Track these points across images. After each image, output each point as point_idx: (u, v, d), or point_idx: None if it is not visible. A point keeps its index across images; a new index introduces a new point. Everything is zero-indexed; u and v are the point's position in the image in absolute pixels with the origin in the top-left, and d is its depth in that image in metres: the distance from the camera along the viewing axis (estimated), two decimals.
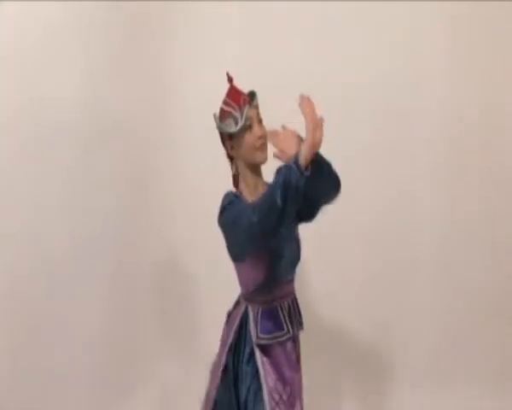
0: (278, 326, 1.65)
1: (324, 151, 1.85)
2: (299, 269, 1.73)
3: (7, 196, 2.05)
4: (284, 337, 1.65)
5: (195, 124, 2.69)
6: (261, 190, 1.58)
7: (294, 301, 1.73)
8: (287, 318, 1.66)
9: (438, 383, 2.71)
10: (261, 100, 1.61)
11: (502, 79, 2.60)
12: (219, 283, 2.62)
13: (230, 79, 1.62)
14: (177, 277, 2.88)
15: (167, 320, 2.88)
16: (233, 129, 1.57)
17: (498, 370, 2.70)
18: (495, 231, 2.68)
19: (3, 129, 2.05)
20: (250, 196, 1.61)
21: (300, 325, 1.74)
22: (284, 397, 1.61)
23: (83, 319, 2.39)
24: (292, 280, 1.72)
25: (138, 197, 2.71)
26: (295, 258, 1.70)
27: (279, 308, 1.66)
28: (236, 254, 1.59)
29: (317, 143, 1.40)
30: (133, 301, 2.72)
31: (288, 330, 1.65)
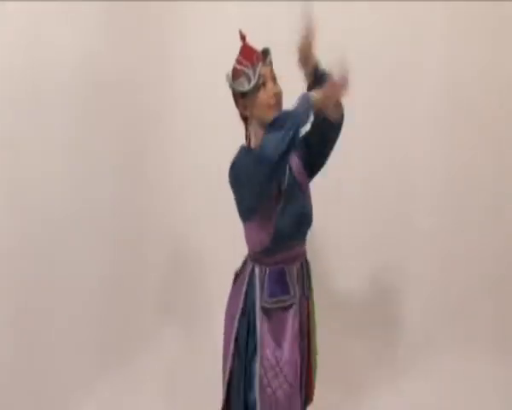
0: (284, 290, 1.63)
1: None
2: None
3: (5, 157, 1.98)
4: (288, 302, 1.63)
5: (197, 82, 2.68)
6: None
7: (304, 266, 1.71)
8: (294, 282, 1.65)
9: (439, 342, 2.73)
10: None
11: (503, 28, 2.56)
12: (222, 249, 2.64)
13: (243, 37, 1.58)
14: (179, 240, 2.87)
15: (169, 289, 2.88)
16: (246, 87, 1.53)
17: (501, 328, 2.71)
18: (496, 176, 2.67)
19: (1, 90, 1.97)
20: None
21: (309, 290, 1.72)
22: (277, 369, 1.61)
23: (83, 284, 2.38)
24: (301, 244, 1.69)
25: (138, 158, 2.69)
26: (303, 219, 1.66)
27: (286, 271, 1.63)
28: (245, 209, 1.57)
29: (327, 100, 1.49)
30: (134, 265, 2.71)
31: (294, 294, 1.64)
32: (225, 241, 2.44)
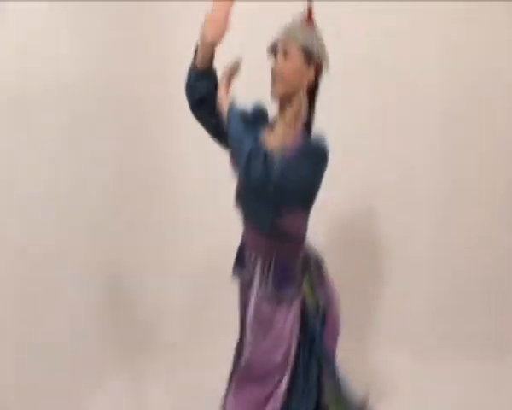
0: (241, 265, 1.68)
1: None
2: None
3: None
4: (243, 278, 1.67)
5: None
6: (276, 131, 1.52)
7: (266, 264, 1.57)
8: (249, 266, 1.62)
9: (437, 344, 2.73)
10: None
11: None
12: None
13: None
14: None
15: None
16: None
17: (499, 329, 2.72)
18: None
19: None
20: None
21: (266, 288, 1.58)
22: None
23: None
24: (256, 232, 1.58)
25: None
26: (246, 205, 1.59)
27: (247, 251, 1.63)
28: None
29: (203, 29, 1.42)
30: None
31: (245, 273, 1.65)
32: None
